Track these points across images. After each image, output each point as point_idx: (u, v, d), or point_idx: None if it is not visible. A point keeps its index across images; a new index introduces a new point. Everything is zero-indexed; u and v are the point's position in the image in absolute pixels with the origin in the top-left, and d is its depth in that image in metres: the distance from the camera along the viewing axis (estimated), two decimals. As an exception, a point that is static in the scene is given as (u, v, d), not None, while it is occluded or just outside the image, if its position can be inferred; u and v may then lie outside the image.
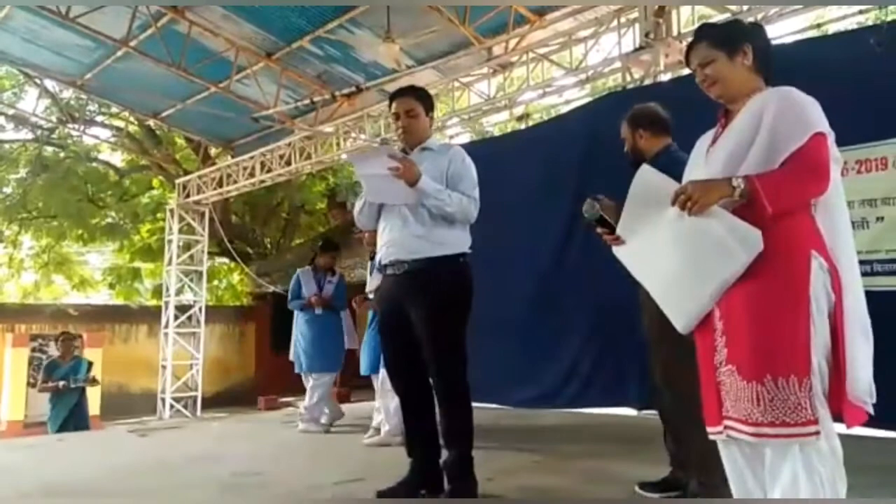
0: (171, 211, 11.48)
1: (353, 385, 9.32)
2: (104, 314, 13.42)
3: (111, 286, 16.86)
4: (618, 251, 2.20)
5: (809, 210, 1.88)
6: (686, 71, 5.32)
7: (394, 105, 3.03)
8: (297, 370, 5.49)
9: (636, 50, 5.20)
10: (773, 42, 2.31)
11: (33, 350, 10.22)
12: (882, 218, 3.71)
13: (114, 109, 13.06)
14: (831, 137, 1.89)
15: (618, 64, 5.54)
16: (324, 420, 5.27)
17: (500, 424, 4.81)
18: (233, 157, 10.74)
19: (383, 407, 4.42)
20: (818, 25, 5.02)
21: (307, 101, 8.16)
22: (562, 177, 5.23)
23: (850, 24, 5.08)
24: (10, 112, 13.68)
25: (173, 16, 7.37)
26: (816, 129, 1.84)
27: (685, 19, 5.27)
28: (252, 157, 9.78)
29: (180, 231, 11.36)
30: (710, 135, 2.13)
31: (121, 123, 14.46)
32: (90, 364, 7.19)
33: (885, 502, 2.67)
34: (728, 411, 1.88)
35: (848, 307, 1.82)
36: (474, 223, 3.00)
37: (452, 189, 2.88)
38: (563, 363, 5.18)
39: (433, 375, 2.89)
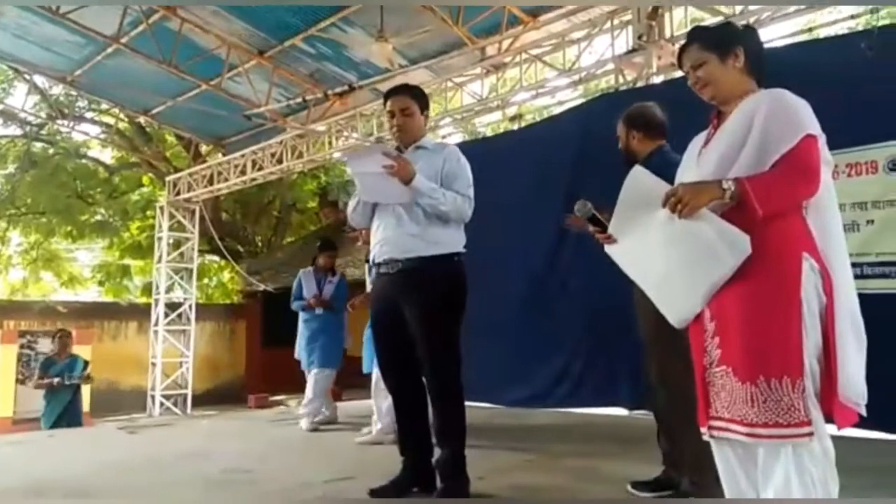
0: (162, 208, 11.42)
1: (345, 384, 9.33)
2: (93, 311, 13.35)
3: (100, 283, 16.76)
4: (610, 250, 2.23)
5: (801, 212, 1.90)
6: (678, 73, 5.35)
7: (389, 103, 3.02)
8: (302, 367, 5.57)
9: (629, 52, 5.21)
10: (765, 45, 2.32)
11: (22, 346, 10.14)
12: (872, 221, 3.74)
13: (104, 106, 12.99)
14: (822, 139, 1.91)
15: (610, 66, 5.56)
16: (317, 418, 5.26)
17: (492, 423, 4.81)
18: (224, 154, 10.70)
19: (376, 406, 4.42)
20: (809, 30, 5.05)
21: (299, 100, 8.14)
22: (554, 177, 5.24)
23: (840, 29, 5.13)
24: (-1, 108, 13.59)
25: (165, 13, 7.33)
26: (807, 130, 1.86)
27: (677, 22, 5.29)
28: (243, 155, 9.75)
29: (170, 228, 11.31)
30: (702, 136, 2.14)
31: (111, 120, 14.39)
32: (86, 362, 7.18)
33: (880, 502, 2.69)
34: (719, 412, 1.90)
35: (839, 308, 1.84)
36: (467, 223, 3.00)
37: (447, 188, 2.88)
38: (556, 363, 5.20)
39: (427, 374, 2.89)
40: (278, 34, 7.61)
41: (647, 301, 2.13)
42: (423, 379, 2.93)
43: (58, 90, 12.71)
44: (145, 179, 15.47)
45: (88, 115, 14.28)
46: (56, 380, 6.80)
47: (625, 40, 5.39)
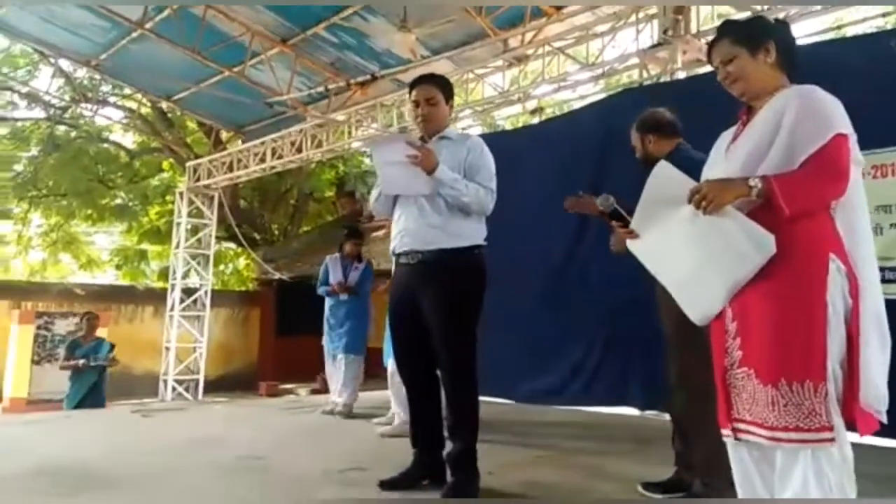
0: (181, 194, 11.48)
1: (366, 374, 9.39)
2: (110, 294, 13.48)
3: (118, 267, 16.91)
4: (632, 245, 2.19)
5: (829, 212, 1.86)
6: (703, 69, 5.32)
7: (414, 92, 2.99)
8: (325, 354, 5.64)
9: (654, 46, 5.14)
10: (796, 41, 2.26)
11: (39, 327, 10.28)
12: (895, 225, 3.68)
13: (126, 91, 13.07)
14: (853, 139, 1.87)
15: (634, 60, 5.49)
16: (340, 403, 5.29)
17: (503, 419, 4.79)
18: (243, 142, 10.73)
19: (395, 397, 4.42)
20: (838, 27, 4.96)
21: (321, 89, 8.13)
22: (576, 172, 5.19)
23: (869, 28, 5.03)
24: (24, 90, 13.71)
25: (191, -1, 7.37)
26: (838, 129, 1.82)
27: (704, 17, 5.21)
28: (263, 143, 9.77)
29: (189, 214, 11.37)
30: (730, 132, 2.11)
31: (133, 105, 14.48)
32: (112, 345, 7.24)
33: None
34: (740, 413, 1.87)
35: (865, 312, 1.80)
36: (487, 216, 2.98)
37: (470, 179, 2.86)
38: (569, 360, 5.17)
39: (442, 367, 2.88)
40: (302, 22, 7.61)
41: (669, 299, 2.10)
42: (438, 371, 2.92)
43: (82, 74, 12.81)
44: (165, 165, 15.57)
45: (111, 99, 14.39)
46: (82, 361, 6.86)
47: (649, 34, 5.32)
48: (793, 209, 1.77)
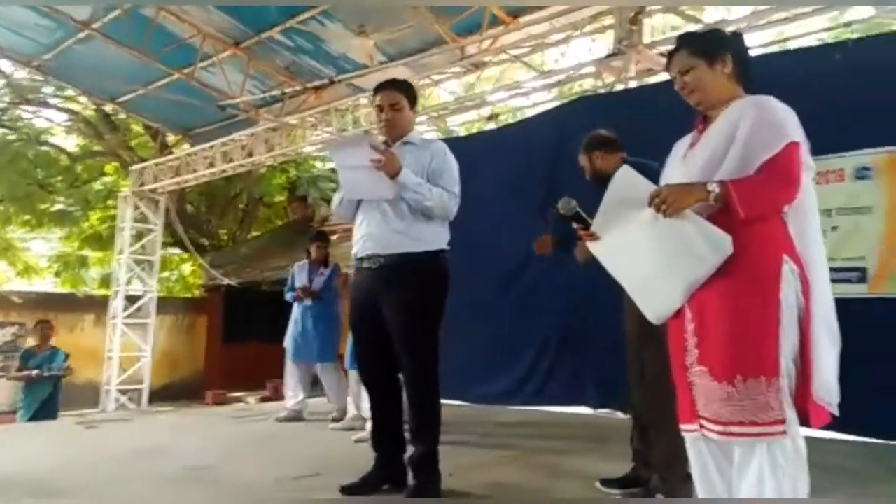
0: (125, 198, 11.16)
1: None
2: (49, 302, 12.94)
3: (57, 274, 16.28)
4: (593, 247, 2.25)
5: (782, 216, 1.94)
6: (655, 79, 5.48)
7: (378, 97, 2.98)
8: (288, 357, 5.56)
9: (609, 56, 5.27)
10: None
11: (-24, 336, 9.84)
12: (837, 227, 3.88)
13: (69, 92, 12.64)
14: (805, 146, 1.96)
15: (589, 69, 5.61)
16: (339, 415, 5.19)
17: (461, 420, 4.80)
18: (191, 145, 10.51)
19: (357, 403, 4.43)
20: (784, 40, 5.19)
21: (275, 92, 8.03)
22: (531, 177, 5.29)
23: (811, 41, 5.28)
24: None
25: (142, -1, 7.19)
26: (790, 138, 1.90)
27: (657, 28, 5.36)
28: (213, 147, 9.59)
29: (133, 220, 11.06)
30: (687, 139, 2.18)
31: (76, 107, 14.00)
32: (67, 355, 6.98)
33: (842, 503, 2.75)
34: (699, 410, 1.93)
35: (816, 311, 1.89)
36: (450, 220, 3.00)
37: (433, 184, 2.87)
38: (525, 362, 5.25)
39: (404, 371, 2.88)
40: (256, 25, 7.50)
41: (634, 302, 2.16)
42: (400, 375, 2.92)
43: (21, 74, 12.33)
44: (109, 168, 15.09)
45: (53, 101, 13.89)
46: (35, 372, 6.63)
47: (603, 44, 5.45)
48: (748, 213, 1.85)
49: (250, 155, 9.07)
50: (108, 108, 11.75)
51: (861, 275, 3.85)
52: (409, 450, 2.88)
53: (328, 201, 13.31)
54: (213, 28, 7.70)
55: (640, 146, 3.06)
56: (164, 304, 12.76)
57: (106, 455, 4.09)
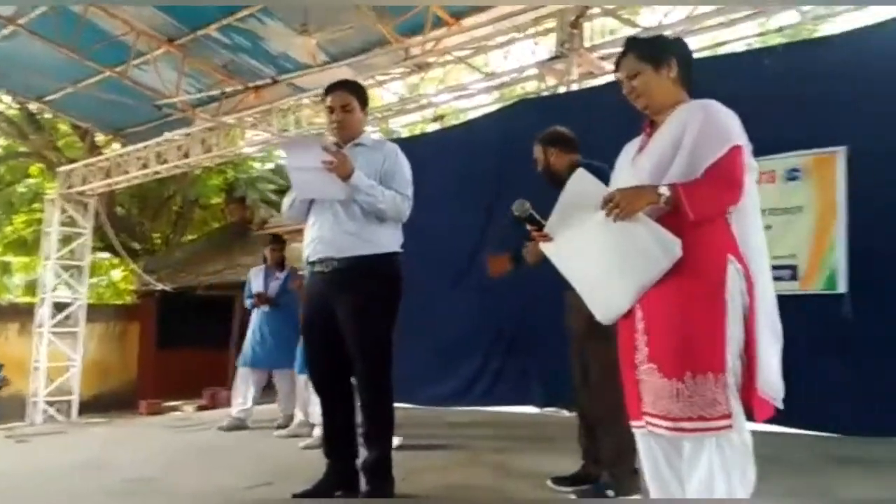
0: (52, 201, 10.66)
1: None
2: (-32, 311, 12.29)
3: (-24, 281, 15.44)
4: (546, 248, 2.28)
5: (726, 217, 2.02)
6: (596, 82, 5.59)
7: (329, 99, 2.95)
8: (239, 364, 5.47)
9: (551, 59, 5.35)
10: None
11: None
12: (770, 227, 4.02)
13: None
14: (748, 149, 2.04)
15: (532, 71, 5.68)
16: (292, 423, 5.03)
17: (409, 422, 4.79)
18: (122, 146, 10.12)
19: (306, 408, 4.41)
20: (719, 44, 5.39)
21: (215, 92, 7.81)
22: (476, 178, 5.33)
23: (742, 47, 5.49)
24: None
25: (70, -7, 6.88)
26: (734, 142, 1.98)
27: (596, 31, 5.46)
28: (146, 147, 9.24)
29: (60, 223, 10.57)
30: (635, 142, 2.23)
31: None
32: (1, 365, 6.57)
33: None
34: (647, 407, 1.98)
35: (759, 308, 1.96)
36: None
37: (386, 186, 2.85)
38: (472, 364, 5.29)
39: (357, 375, 2.86)
40: (190, 22, 7.27)
41: (579, 299, 2.20)
42: (352, 380, 2.89)
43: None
44: (33, 170, 14.41)
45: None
46: None
47: (545, 47, 5.53)
48: (697, 215, 1.92)
49: (186, 156, 8.79)
50: (33, 106, 11.19)
51: (792, 272, 4.02)
52: (363, 455, 2.86)
53: (268, 203, 13.07)
54: (146, 25, 7.44)
55: (581, 148, 3.14)
56: (95, 312, 12.24)
57: (41, 469, 3.94)
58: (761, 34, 5.25)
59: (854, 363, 3.75)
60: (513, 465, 3.51)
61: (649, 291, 1.99)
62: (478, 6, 5.83)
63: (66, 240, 10.72)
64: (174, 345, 12.38)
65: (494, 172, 5.24)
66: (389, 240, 2.91)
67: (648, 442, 2.03)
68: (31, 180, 14.42)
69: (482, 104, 7.57)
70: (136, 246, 14.80)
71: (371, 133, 8.48)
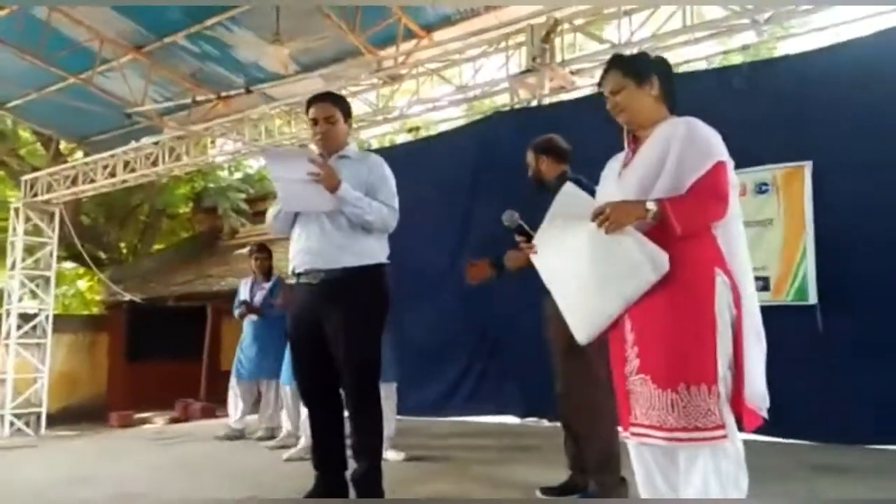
0: (17, 210, 10.42)
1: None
2: (-71, 323, 11.89)
3: (-63, 293, 14.95)
4: (534, 258, 2.32)
5: (712, 230, 2.07)
6: (568, 96, 5.67)
7: (312, 110, 2.93)
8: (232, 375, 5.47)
9: (523, 72, 5.40)
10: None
11: None
12: (740, 239, 4.14)
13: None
14: (731, 165, 2.10)
15: (504, 84, 5.72)
16: (279, 435, 4.98)
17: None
18: (87, 154, 9.93)
19: (293, 419, 4.40)
20: (686, 62, 5.53)
21: (187, 101, 7.70)
22: (453, 189, 5.37)
23: (703, 65, 5.66)
24: None
25: (33, -1, 6.73)
26: (718, 158, 2.05)
27: (567, 46, 5.53)
28: (114, 156, 9.08)
29: (25, 233, 10.33)
30: (620, 157, 2.28)
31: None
32: None
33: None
34: (638, 418, 2.03)
35: (746, 320, 2.02)
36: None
37: (372, 198, 2.85)
38: (452, 374, 5.33)
39: (346, 387, 2.85)
40: (158, 30, 7.17)
41: (559, 309, 2.24)
42: (340, 391, 2.89)
43: None
44: (-6, 179, 14.04)
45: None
46: None
47: (516, 62, 5.57)
48: (684, 230, 1.97)
49: (155, 164, 8.66)
50: (-5, 114, 10.90)
51: (764, 283, 4.13)
52: (352, 466, 2.86)
53: (238, 212, 12.94)
54: (112, 32, 7.31)
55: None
56: (62, 322, 11.98)
57: (17, 486, 3.84)
58: (725, 52, 5.42)
59: (826, 373, 3.85)
60: (500, 476, 3.54)
61: (638, 304, 2.03)
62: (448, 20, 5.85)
63: (30, 249, 10.48)
64: (144, 356, 12.17)
65: (470, 182, 5.29)
66: (377, 251, 2.91)
67: (641, 453, 2.07)
68: (-9, 189, 14.05)
69: (452, 117, 7.64)
70: (103, 255, 14.52)
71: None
